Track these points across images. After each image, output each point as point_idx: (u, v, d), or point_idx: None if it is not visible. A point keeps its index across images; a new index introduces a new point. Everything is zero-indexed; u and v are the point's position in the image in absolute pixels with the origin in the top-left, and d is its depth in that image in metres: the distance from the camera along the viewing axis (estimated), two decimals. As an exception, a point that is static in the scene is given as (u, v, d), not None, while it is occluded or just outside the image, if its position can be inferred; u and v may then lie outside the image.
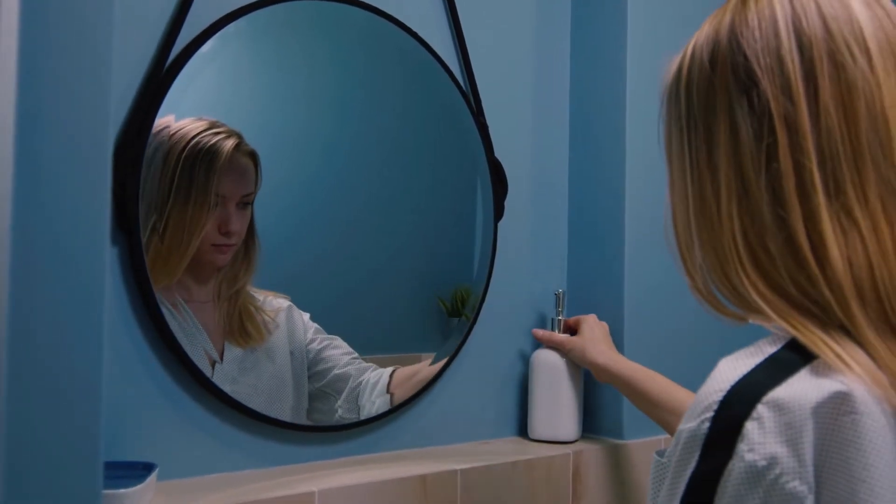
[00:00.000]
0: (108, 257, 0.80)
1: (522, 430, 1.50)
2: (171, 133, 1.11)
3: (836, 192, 0.70)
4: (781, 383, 0.65)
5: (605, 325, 1.44)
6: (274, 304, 1.24)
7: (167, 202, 1.10)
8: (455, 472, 1.25)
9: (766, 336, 0.72)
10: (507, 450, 1.39)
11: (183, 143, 1.11)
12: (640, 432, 1.48)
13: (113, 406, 1.03)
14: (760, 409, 0.64)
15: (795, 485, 0.62)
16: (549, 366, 1.44)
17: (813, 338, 0.68)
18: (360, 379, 1.29)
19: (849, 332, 0.68)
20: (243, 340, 1.19)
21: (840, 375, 0.64)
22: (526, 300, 1.52)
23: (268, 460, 1.20)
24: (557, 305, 1.48)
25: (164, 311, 1.10)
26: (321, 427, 1.25)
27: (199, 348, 1.14)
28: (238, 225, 1.16)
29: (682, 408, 1.18)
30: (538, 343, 1.52)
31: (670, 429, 1.25)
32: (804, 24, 0.72)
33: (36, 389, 0.75)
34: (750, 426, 0.63)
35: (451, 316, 1.42)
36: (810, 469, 0.63)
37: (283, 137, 1.25)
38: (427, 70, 1.38)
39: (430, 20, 1.40)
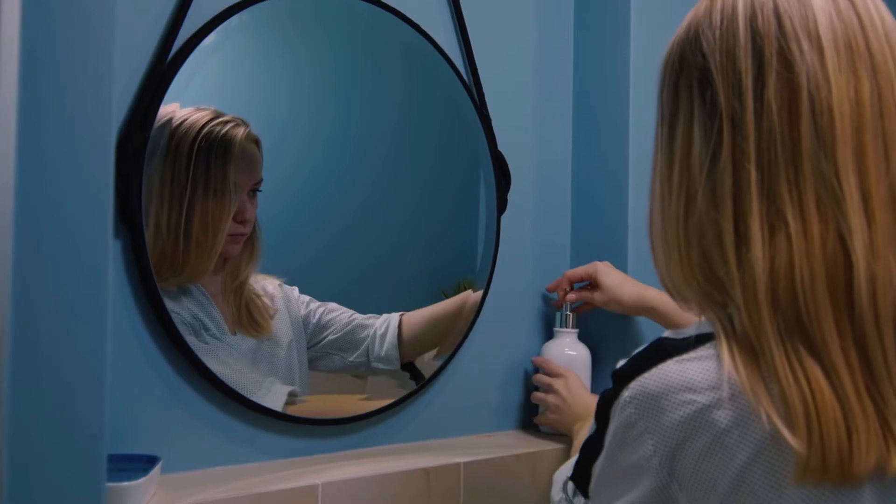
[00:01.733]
0: (110, 250, 0.80)
1: (525, 423, 1.50)
2: (177, 124, 1.10)
3: (770, 192, 0.70)
4: (650, 370, 0.74)
5: (609, 264, 1.45)
6: (268, 287, 1.23)
7: (184, 196, 1.10)
8: (458, 464, 1.25)
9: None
10: (509, 443, 1.39)
11: (193, 134, 1.11)
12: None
13: (117, 399, 1.03)
14: (626, 393, 0.76)
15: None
16: (557, 358, 1.44)
17: (715, 331, 0.72)
18: (367, 332, 1.30)
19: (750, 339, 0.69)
20: (254, 331, 1.19)
21: (671, 360, 0.72)
22: (529, 293, 1.52)
23: (271, 453, 1.20)
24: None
25: (168, 304, 1.10)
26: (324, 420, 1.25)
27: (206, 341, 1.14)
28: (251, 213, 1.17)
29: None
30: (543, 335, 1.52)
31: None
32: (759, 21, 0.72)
33: (40, 383, 0.75)
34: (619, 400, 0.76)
35: (454, 309, 1.42)
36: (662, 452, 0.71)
37: (286, 131, 1.25)
38: (430, 62, 1.38)
39: (432, 12, 1.39)
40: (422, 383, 1.35)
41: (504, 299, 1.48)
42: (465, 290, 1.42)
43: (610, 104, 1.53)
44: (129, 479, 0.96)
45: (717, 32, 0.74)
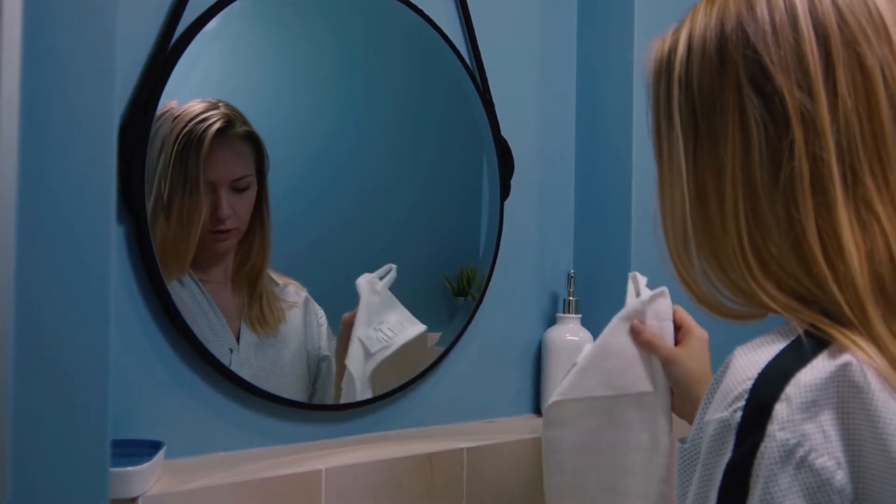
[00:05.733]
0: (114, 236, 0.80)
1: (528, 408, 1.50)
2: (174, 115, 1.10)
3: (853, 184, 0.69)
4: (805, 366, 0.65)
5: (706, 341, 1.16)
6: (291, 293, 1.23)
7: (166, 190, 1.10)
8: (461, 450, 1.25)
9: (773, 328, 0.72)
10: (513, 428, 1.39)
11: (177, 131, 1.10)
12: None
13: (120, 384, 1.03)
14: (789, 389, 0.64)
15: (823, 461, 0.63)
16: (564, 344, 1.45)
17: (828, 329, 0.67)
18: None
19: (858, 329, 0.67)
20: (259, 326, 1.19)
21: (849, 352, 0.65)
22: (532, 279, 1.52)
23: (275, 438, 1.21)
24: (569, 286, 1.48)
25: (174, 290, 1.10)
26: (328, 406, 1.25)
27: (213, 330, 1.14)
28: (229, 210, 1.14)
29: None
30: (545, 321, 1.52)
31: None
32: (819, 12, 0.70)
33: (43, 369, 0.75)
34: (779, 407, 0.64)
35: (457, 295, 1.42)
36: (836, 444, 0.64)
37: (289, 117, 1.25)
38: (433, 47, 1.37)
39: (435, -3, 1.39)
40: (424, 369, 1.35)
41: (507, 285, 1.47)
42: (469, 276, 1.42)
43: (613, 89, 1.53)
44: (133, 464, 0.96)
45: (770, 26, 0.71)
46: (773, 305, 0.71)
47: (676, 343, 1.13)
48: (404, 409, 1.35)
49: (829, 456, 0.63)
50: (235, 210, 1.15)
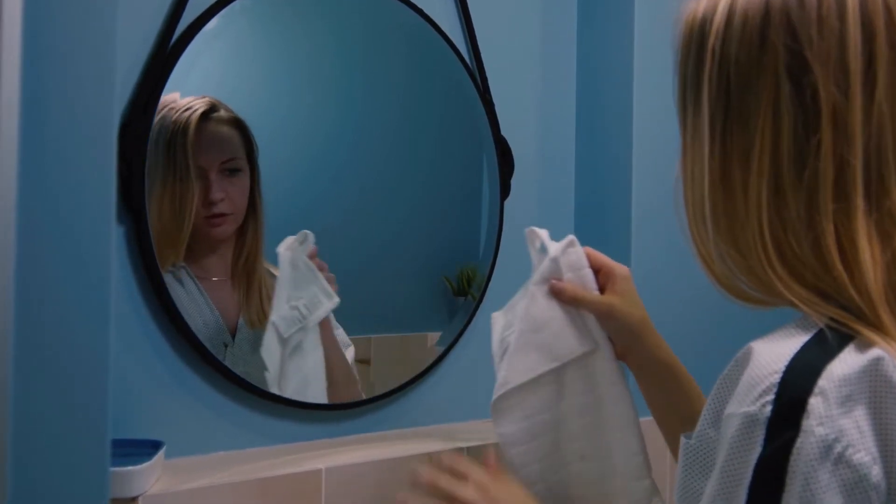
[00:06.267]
0: (114, 236, 0.80)
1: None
2: (161, 112, 1.10)
3: (879, 193, 0.67)
4: (833, 359, 0.64)
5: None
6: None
7: (158, 180, 1.10)
8: (461, 449, 1.25)
9: (790, 321, 0.71)
10: (513, 428, 1.39)
11: (164, 123, 1.11)
12: (647, 411, 1.48)
13: (120, 384, 1.03)
14: (822, 383, 0.63)
15: (860, 456, 0.62)
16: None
17: (852, 324, 0.66)
18: None
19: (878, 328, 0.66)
20: (259, 322, 1.19)
21: (879, 347, 0.64)
22: (532, 279, 1.52)
23: (275, 438, 1.21)
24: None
25: (172, 289, 1.10)
26: (328, 405, 1.25)
27: (209, 327, 1.14)
28: (220, 193, 1.14)
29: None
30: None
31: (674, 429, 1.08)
32: (869, 9, 0.68)
33: (44, 368, 0.75)
34: (814, 401, 0.62)
35: (457, 295, 1.42)
36: (870, 438, 0.63)
37: (289, 116, 1.25)
38: (433, 47, 1.37)
39: (435, -3, 1.39)
40: (424, 369, 1.35)
41: (507, 285, 1.47)
42: (469, 276, 1.42)
43: (613, 89, 1.53)
44: (133, 463, 0.96)
45: (815, 15, 0.68)
46: (792, 298, 0.69)
47: (601, 289, 1.07)
48: (404, 408, 1.35)
49: (865, 451, 0.62)
50: (228, 194, 1.15)
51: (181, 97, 1.12)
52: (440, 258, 1.43)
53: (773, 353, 0.66)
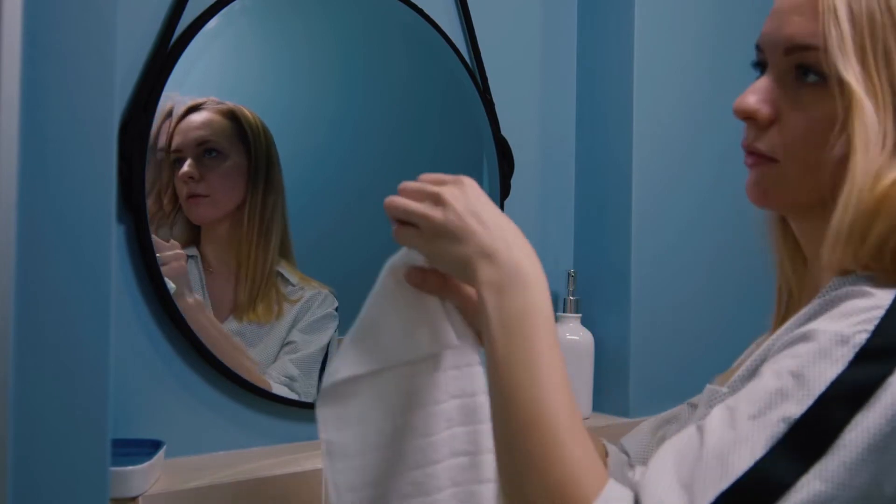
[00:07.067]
0: (113, 234, 0.80)
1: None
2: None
3: None
4: None
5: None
6: (296, 291, 1.23)
7: (149, 174, 1.11)
8: (461, 449, 1.25)
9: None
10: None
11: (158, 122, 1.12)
12: (646, 411, 1.48)
13: (121, 383, 1.03)
14: None
15: None
16: (564, 343, 1.45)
17: None
18: None
19: None
20: (245, 314, 1.18)
21: None
22: (532, 279, 1.52)
23: (275, 438, 1.21)
24: (569, 285, 1.48)
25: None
26: (328, 405, 1.25)
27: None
28: (192, 170, 1.15)
29: None
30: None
31: None
32: None
33: (43, 367, 0.75)
34: None
35: (457, 294, 1.42)
36: None
37: (289, 114, 1.25)
38: (433, 47, 1.37)
39: (436, -4, 1.39)
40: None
41: (507, 285, 1.47)
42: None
43: (614, 88, 1.53)
44: (133, 463, 0.96)
45: None
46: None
47: None
48: (404, 408, 1.34)
49: None
50: (204, 176, 1.16)
51: (181, 97, 1.12)
52: (440, 258, 1.43)
53: (865, 301, 0.67)
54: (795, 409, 0.63)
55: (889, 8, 0.72)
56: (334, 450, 0.83)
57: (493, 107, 1.44)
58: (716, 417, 0.67)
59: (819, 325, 0.67)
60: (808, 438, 0.62)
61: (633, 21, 1.50)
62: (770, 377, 0.67)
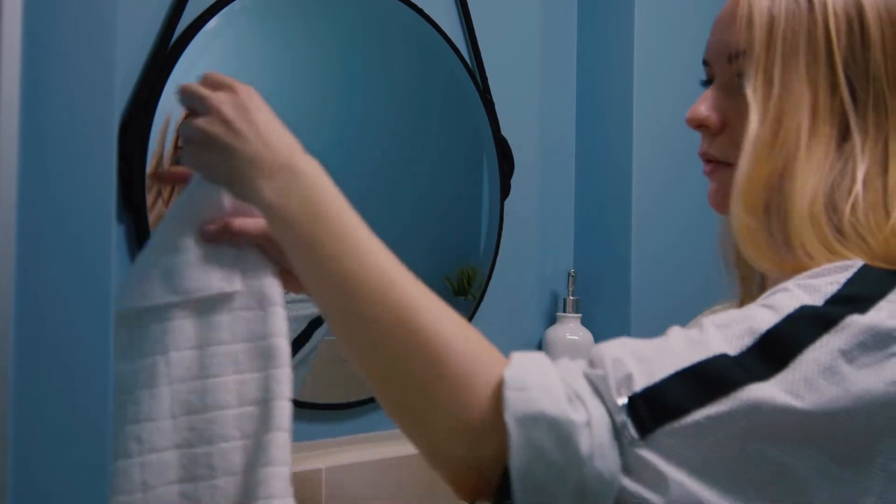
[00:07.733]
0: (114, 234, 0.80)
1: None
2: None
3: None
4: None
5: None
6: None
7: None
8: (461, 449, 1.25)
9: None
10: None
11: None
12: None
13: (120, 384, 1.02)
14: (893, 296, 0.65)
15: None
16: (564, 343, 1.45)
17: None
18: None
19: None
20: None
21: None
22: (532, 279, 1.52)
23: (275, 438, 1.20)
24: (569, 285, 1.48)
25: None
26: (328, 404, 1.25)
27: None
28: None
29: None
30: (546, 320, 1.52)
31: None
32: None
33: (44, 367, 0.75)
34: (884, 304, 0.64)
35: (457, 295, 1.42)
36: None
37: (288, 116, 1.24)
38: (433, 47, 1.37)
39: (435, -3, 1.39)
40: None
41: (507, 284, 1.47)
42: (469, 276, 1.42)
43: (613, 89, 1.53)
44: (134, 463, 0.95)
45: None
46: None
47: None
48: (404, 408, 1.34)
49: None
50: None
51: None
52: (440, 258, 1.43)
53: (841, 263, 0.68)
54: (763, 325, 0.64)
55: (811, 7, 0.73)
56: (122, 382, 0.81)
57: (493, 107, 1.44)
58: (677, 329, 0.69)
59: (789, 283, 0.68)
60: (773, 348, 0.63)
61: (633, 21, 1.50)
62: (739, 310, 0.68)
